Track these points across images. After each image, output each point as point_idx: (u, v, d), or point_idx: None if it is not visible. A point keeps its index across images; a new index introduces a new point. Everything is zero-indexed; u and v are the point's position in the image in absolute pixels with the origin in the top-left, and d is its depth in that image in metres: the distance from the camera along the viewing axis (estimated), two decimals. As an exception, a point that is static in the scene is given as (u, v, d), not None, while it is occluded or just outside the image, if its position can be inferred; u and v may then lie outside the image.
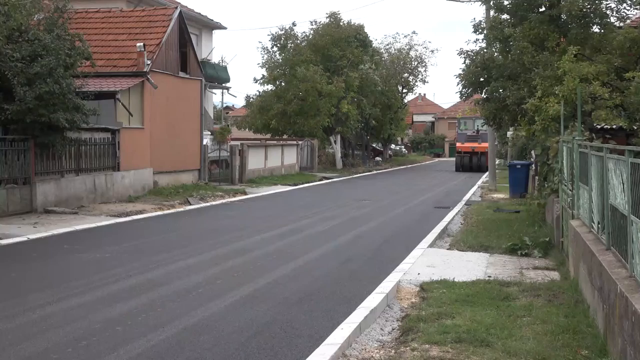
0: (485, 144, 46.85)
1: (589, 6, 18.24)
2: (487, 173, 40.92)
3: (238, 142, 36.69)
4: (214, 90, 43.40)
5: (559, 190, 14.75)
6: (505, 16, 20.32)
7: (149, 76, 26.36)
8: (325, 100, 46.29)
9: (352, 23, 52.36)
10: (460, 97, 21.98)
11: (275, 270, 12.34)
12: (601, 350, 7.46)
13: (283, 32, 49.54)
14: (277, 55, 49.13)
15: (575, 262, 10.95)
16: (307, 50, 48.30)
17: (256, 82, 49.31)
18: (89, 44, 22.64)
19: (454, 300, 9.81)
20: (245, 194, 29.33)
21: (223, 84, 42.87)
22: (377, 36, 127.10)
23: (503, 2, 20.30)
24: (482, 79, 20.51)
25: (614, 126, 16.15)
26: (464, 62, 20.75)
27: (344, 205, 24.74)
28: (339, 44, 49.66)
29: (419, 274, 11.88)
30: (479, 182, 38.38)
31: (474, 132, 53.44)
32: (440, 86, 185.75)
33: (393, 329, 8.95)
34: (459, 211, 22.82)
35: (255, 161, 37.79)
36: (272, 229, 18.01)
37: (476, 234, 16.67)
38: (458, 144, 54.69)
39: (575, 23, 18.30)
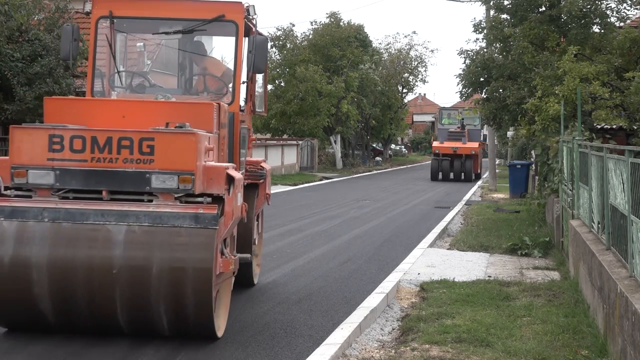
0: (473, 144, 40.90)
1: (589, 6, 18.28)
2: (479, 182, 39.05)
3: (238, 142, 36.59)
4: (214, 90, 43.37)
5: (559, 190, 14.75)
6: (505, 16, 20.36)
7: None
8: (325, 100, 46.27)
9: (352, 23, 52.37)
10: (460, 97, 22.01)
11: (275, 270, 12.34)
12: (601, 350, 7.47)
13: (281, 32, 49.59)
14: (277, 55, 49.15)
15: (575, 262, 10.96)
16: (307, 50, 48.31)
17: (255, 83, 49.33)
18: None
19: (454, 300, 9.81)
20: (245, 193, 29.31)
21: (223, 84, 42.85)
22: (377, 36, 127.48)
23: (503, 2, 20.35)
24: (482, 79, 20.54)
25: (614, 126, 16.17)
26: (464, 62, 20.78)
27: (344, 205, 24.74)
28: (339, 44, 49.64)
29: (419, 273, 11.88)
30: (479, 182, 38.34)
31: (457, 127, 43.26)
32: (440, 86, 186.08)
33: (393, 329, 8.96)
34: (459, 211, 22.82)
35: (255, 161, 37.69)
36: (272, 228, 18.00)
37: (476, 233, 16.66)
38: (435, 144, 41.97)
39: (575, 23, 18.33)
